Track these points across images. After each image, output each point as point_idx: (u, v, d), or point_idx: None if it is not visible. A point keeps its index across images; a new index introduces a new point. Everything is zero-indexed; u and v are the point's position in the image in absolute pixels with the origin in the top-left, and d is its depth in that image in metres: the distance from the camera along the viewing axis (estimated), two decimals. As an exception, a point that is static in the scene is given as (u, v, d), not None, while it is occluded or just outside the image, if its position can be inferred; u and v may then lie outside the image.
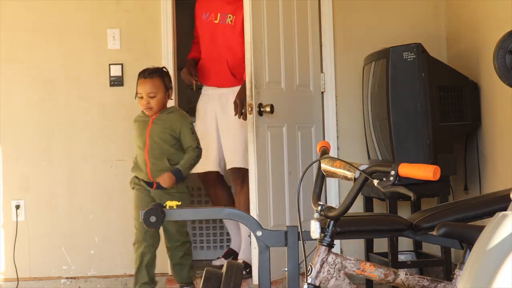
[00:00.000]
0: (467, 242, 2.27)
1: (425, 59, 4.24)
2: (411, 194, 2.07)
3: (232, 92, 4.67)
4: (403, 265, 4.20)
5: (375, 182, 2.12)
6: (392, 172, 2.07)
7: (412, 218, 3.16)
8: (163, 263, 4.79)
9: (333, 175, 2.39)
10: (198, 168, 4.50)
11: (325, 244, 2.31)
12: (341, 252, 4.89)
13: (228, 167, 4.74)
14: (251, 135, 4.33)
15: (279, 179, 4.57)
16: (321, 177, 2.47)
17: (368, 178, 2.17)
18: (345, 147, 4.96)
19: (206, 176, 4.83)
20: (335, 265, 2.31)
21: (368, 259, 4.51)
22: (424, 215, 3.05)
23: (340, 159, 2.36)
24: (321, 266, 2.30)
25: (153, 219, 2.85)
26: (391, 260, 4.11)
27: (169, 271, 4.86)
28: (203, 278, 2.66)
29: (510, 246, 1.56)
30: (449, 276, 4.04)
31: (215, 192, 4.88)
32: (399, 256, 4.19)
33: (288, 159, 4.65)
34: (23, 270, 4.85)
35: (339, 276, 2.32)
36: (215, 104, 4.79)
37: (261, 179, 4.38)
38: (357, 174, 2.22)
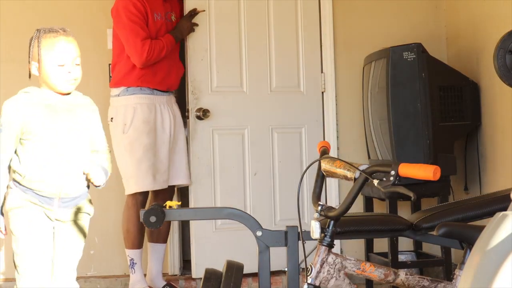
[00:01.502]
0: (467, 242, 2.28)
1: (425, 59, 4.24)
2: (411, 194, 2.07)
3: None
4: (403, 265, 4.20)
5: (375, 182, 2.12)
6: (392, 172, 2.07)
7: (412, 218, 3.16)
8: (164, 263, 4.79)
9: (333, 175, 2.39)
10: (154, 184, 4.28)
11: (325, 244, 2.31)
12: (341, 252, 4.88)
13: (183, 182, 4.52)
14: (188, 139, 4.64)
15: (236, 181, 4.75)
16: (321, 177, 2.47)
17: (368, 178, 2.17)
18: (345, 147, 4.96)
19: (147, 193, 4.40)
20: (335, 265, 2.31)
21: (368, 259, 4.52)
22: (424, 215, 3.05)
23: (340, 159, 2.36)
24: (321, 266, 2.30)
25: (153, 219, 2.84)
26: (391, 260, 4.11)
27: (169, 271, 4.87)
28: (203, 278, 2.66)
29: (510, 246, 1.56)
30: (449, 276, 4.04)
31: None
32: (399, 256, 4.19)
33: (252, 161, 4.79)
34: (23, 270, 4.84)
35: (339, 276, 2.32)
36: (168, 111, 4.46)
37: (201, 182, 4.64)
38: (357, 174, 2.22)
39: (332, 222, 2.31)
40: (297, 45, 4.92)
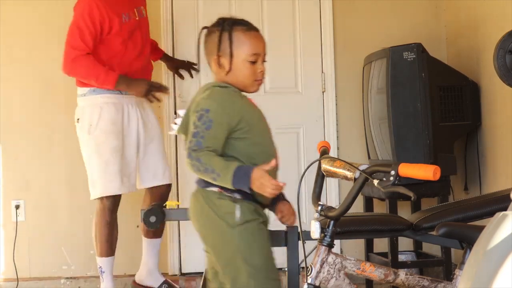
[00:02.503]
0: (467, 242, 2.27)
1: (425, 59, 4.24)
2: (411, 194, 2.07)
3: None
4: (403, 265, 4.20)
5: (375, 182, 2.12)
6: (392, 172, 2.07)
7: (412, 218, 3.16)
8: (163, 263, 4.80)
9: (333, 175, 2.39)
10: (122, 188, 4.07)
11: (325, 244, 2.31)
12: (341, 252, 4.88)
13: (161, 182, 4.23)
14: (172, 141, 4.82)
15: None
16: (321, 177, 2.47)
17: (368, 178, 2.16)
18: (345, 147, 4.96)
19: (116, 198, 4.13)
20: (335, 265, 2.30)
21: (368, 259, 4.51)
22: (424, 215, 3.05)
23: (340, 159, 2.36)
24: (321, 266, 2.30)
25: (153, 219, 2.85)
26: (391, 260, 4.10)
27: (169, 271, 4.87)
28: (203, 278, 2.66)
29: (510, 246, 1.56)
30: (449, 276, 4.04)
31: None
32: (399, 256, 4.19)
33: None
34: (23, 270, 4.85)
35: (339, 276, 2.31)
36: (137, 112, 4.19)
37: (189, 182, 4.64)
38: (357, 174, 2.22)
39: (332, 222, 2.31)
40: (294, 46, 4.94)
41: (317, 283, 2.31)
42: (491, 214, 2.62)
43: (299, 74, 4.95)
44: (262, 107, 4.85)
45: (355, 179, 2.22)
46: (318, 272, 2.30)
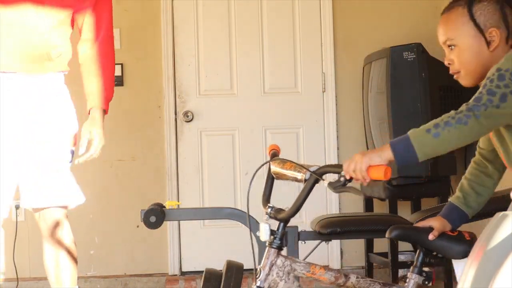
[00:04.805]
0: (419, 244, 2.26)
1: (425, 59, 4.25)
2: (361, 195, 2.05)
3: (53, 80, 3.14)
4: (403, 265, 4.20)
5: (326, 183, 2.10)
6: (343, 173, 2.04)
7: (412, 218, 3.16)
8: (163, 262, 4.80)
9: (283, 177, 2.36)
10: None
11: (274, 246, 2.27)
12: (341, 252, 4.88)
13: (51, 204, 3.26)
14: (172, 141, 4.90)
15: (225, 180, 4.93)
16: (271, 179, 2.46)
17: (318, 179, 2.13)
18: (345, 147, 4.96)
19: None
20: (284, 268, 2.26)
21: (368, 259, 4.52)
22: (424, 215, 3.05)
23: (290, 161, 2.32)
24: (270, 268, 2.25)
25: (153, 219, 2.85)
26: (391, 260, 4.11)
27: (169, 271, 4.87)
28: (203, 278, 2.66)
29: (510, 246, 1.56)
30: (448, 276, 4.04)
31: None
32: (399, 256, 4.19)
33: (243, 161, 4.92)
34: (23, 270, 4.84)
35: (288, 279, 2.27)
36: (18, 103, 3.03)
37: (188, 182, 4.90)
38: (308, 175, 2.19)
39: (281, 224, 2.28)
40: (294, 46, 4.97)
41: (265, 286, 2.26)
42: (491, 214, 2.61)
43: (299, 74, 4.97)
44: (262, 107, 4.92)
45: (305, 181, 2.20)
46: (267, 275, 2.26)
